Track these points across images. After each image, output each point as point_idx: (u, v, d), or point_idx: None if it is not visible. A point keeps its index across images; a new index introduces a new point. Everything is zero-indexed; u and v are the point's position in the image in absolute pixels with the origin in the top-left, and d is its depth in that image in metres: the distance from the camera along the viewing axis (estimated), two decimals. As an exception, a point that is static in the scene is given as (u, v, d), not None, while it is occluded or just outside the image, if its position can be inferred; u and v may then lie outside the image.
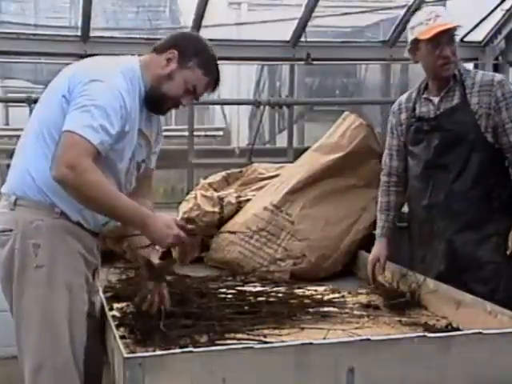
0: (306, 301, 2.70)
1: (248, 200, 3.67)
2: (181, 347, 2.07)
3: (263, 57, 5.06)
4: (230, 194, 3.72)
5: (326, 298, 2.77)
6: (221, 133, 8.26)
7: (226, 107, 9.08)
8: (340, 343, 2.06)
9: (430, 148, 2.95)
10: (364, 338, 2.04)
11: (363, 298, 2.89)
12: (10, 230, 2.25)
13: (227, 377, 1.86)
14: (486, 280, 2.83)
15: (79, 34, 4.19)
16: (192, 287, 2.61)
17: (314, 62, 4.65)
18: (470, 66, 3.47)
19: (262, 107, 4.80)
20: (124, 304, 2.48)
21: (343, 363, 1.94)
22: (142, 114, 2.37)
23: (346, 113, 3.68)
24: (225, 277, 2.91)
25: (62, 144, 2.12)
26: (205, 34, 4.76)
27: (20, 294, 2.25)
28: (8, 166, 2.46)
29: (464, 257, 2.89)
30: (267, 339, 2.25)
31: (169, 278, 2.67)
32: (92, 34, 4.20)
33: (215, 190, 3.82)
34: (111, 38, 4.48)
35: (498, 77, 2.95)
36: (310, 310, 2.63)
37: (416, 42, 2.91)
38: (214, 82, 2.42)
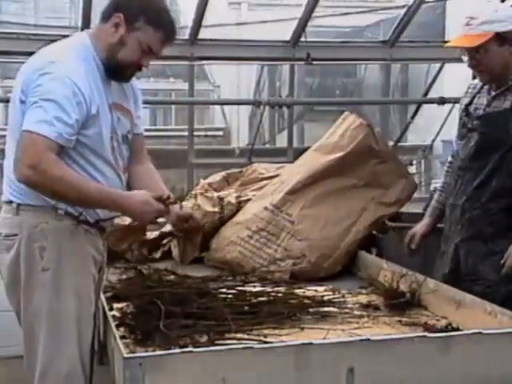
0: (306, 301, 2.69)
1: (248, 200, 3.66)
2: (181, 347, 2.06)
3: (263, 57, 5.07)
4: (230, 194, 3.71)
5: (326, 298, 2.76)
6: (221, 133, 8.27)
7: (226, 107, 9.07)
8: (340, 343, 2.07)
9: (468, 148, 2.83)
10: (364, 337, 2.04)
11: (363, 298, 2.88)
12: (15, 235, 2.22)
13: (227, 377, 1.86)
14: (482, 295, 2.63)
15: (79, 34, 4.20)
16: (192, 287, 2.61)
17: (314, 62, 4.65)
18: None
19: (261, 107, 4.81)
20: (124, 304, 2.47)
21: (343, 363, 1.94)
22: (109, 87, 2.30)
23: (345, 113, 3.67)
24: (225, 277, 2.90)
25: (20, 145, 2.09)
26: (205, 34, 4.77)
27: (28, 298, 2.22)
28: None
29: (464, 267, 2.83)
30: (267, 339, 2.24)
31: (169, 278, 2.69)
32: (92, 34, 4.20)
33: (215, 190, 3.82)
34: (111, 37, 4.48)
35: None
36: (310, 310, 2.62)
37: None
38: (168, 34, 2.27)
